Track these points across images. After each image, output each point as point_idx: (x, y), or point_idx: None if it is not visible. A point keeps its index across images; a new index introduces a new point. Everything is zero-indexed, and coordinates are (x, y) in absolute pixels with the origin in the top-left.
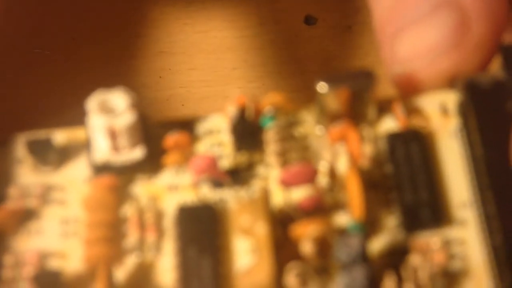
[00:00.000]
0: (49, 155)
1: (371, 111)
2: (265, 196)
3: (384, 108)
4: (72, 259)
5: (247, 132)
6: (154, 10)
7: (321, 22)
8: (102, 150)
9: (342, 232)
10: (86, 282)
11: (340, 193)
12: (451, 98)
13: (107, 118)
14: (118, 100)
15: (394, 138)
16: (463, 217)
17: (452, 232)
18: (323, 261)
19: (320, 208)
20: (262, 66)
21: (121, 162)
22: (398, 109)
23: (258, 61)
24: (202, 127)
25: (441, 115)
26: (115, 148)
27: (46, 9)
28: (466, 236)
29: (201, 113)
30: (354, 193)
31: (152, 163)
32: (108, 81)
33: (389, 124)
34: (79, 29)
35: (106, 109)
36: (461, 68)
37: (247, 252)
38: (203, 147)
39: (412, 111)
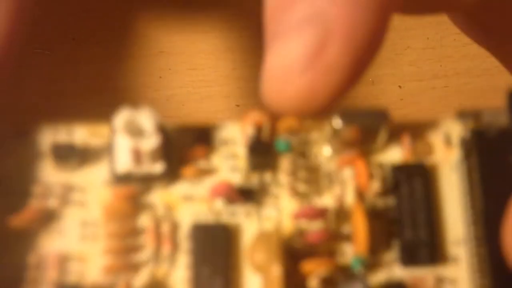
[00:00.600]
0: (71, 158)
1: (381, 143)
2: (278, 232)
3: (392, 135)
4: (91, 263)
5: (262, 153)
6: (153, 10)
7: None
8: (123, 163)
9: (346, 270)
10: None
11: (345, 223)
12: (455, 129)
13: (133, 140)
14: (145, 121)
15: (399, 171)
16: (456, 254)
17: (445, 270)
18: None
19: (327, 240)
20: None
21: (141, 174)
22: (406, 140)
23: (258, 61)
24: (218, 136)
25: (444, 146)
26: (137, 162)
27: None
28: (458, 275)
29: (201, 114)
30: (359, 228)
31: (169, 172)
32: (108, 81)
33: (396, 154)
34: (79, 29)
35: (133, 129)
36: (315, 92)
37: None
38: (218, 159)
39: (417, 139)
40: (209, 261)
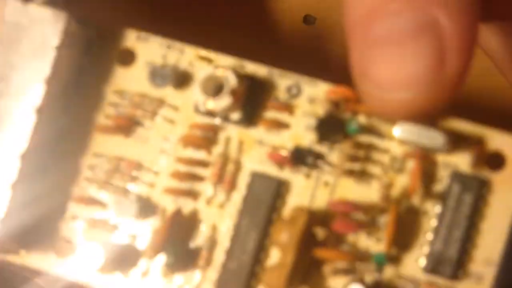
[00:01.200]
0: (167, 79)
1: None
2: (309, 214)
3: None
4: (160, 177)
5: (331, 129)
6: None
7: (320, 22)
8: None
9: (365, 261)
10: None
11: (378, 216)
12: None
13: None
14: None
15: (457, 179)
16: (481, 273)
17: (466, 285)
18: None
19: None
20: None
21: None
22: (476, 152)
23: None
24: (305, 92)
25: None
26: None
27: None
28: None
29: None
30: (390, 226)
31: (248, 118)
32: None
33: (461, 158)
34: None
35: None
36: (432, 104)
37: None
38: (298, 115)
39: (489, 150)
40: (251, 212)
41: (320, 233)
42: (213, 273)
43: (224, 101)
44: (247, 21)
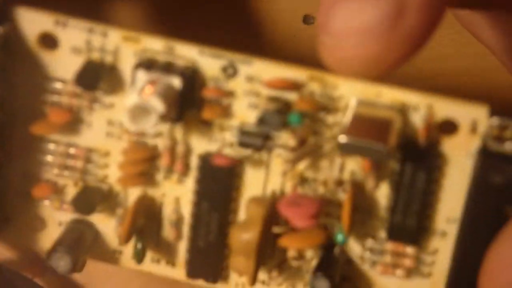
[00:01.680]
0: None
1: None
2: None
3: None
4: (113, 159)
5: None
6: None
7: None
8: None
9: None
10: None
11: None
12: (483, 119)
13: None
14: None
15: (409, 152)
16: (444, 230)
17: (430, 242)
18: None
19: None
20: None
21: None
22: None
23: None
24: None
25: (469, 132)
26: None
27: None
28: (441, 247)
29: None
30: (346, 211)
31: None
32: None
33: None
34: None
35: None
36: (385, 57)
37: None
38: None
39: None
40: (210, 196)
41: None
42: (183, 252)
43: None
44: (246, 20)
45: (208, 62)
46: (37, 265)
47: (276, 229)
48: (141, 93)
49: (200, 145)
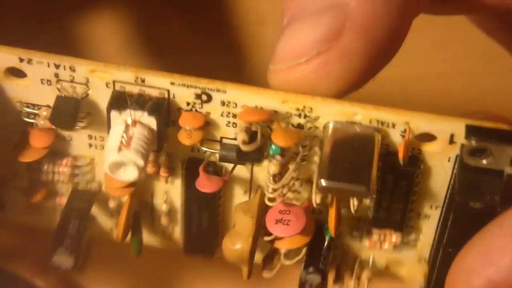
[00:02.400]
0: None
1: None
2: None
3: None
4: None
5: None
6: None
7: None
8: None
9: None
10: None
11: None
12: (461, 132)
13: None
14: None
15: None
16: (428, 214)
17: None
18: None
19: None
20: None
21: None
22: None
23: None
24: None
25: (446, 144)
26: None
27: None
28: (424, 228)
29: None
30: (332, 216)
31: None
32: None
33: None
34: None
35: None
36: (322, 79)
37: None
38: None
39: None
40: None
41: None
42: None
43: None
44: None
45: (181, 91)
46: (37, 265)
47: (266, 238)
48: (119, 149)
49: (184, 152)
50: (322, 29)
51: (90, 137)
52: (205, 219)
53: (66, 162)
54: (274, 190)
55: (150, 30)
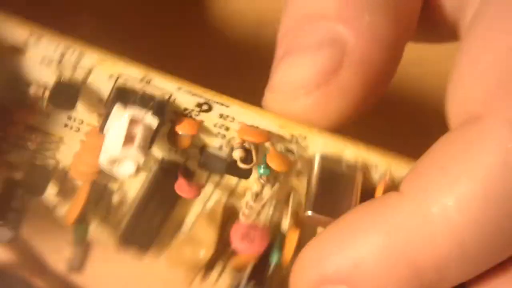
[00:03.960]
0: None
1: None
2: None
3: None
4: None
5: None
6: None
7: None
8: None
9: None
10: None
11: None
12: None
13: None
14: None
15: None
16: None
17: None
18: None
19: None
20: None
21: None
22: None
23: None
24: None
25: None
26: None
27: None
28: None
29: None
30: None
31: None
32: None
33: None
34: None
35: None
36: (318, 110)
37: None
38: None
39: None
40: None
41: None
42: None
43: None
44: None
45: (185, 97)
46: (36, 265)
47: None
48: (123, 144)
49: (162, 151)
50: (321, 62)
51: (69, 118)
52: (158, 218)
53: (35, 137)
54: (251, 208)
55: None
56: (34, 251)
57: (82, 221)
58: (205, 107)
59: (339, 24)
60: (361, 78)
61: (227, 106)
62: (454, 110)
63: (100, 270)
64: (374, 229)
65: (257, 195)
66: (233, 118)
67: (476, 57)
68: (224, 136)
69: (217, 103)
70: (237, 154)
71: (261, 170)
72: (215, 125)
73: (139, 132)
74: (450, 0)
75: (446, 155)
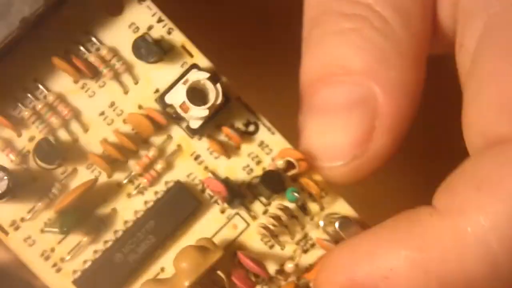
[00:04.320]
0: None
1: None
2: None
3: None
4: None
5: (272, 185)
6: None
7: None
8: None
9: None
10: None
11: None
12: None
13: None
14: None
15: None
16: None
17: None
18: None
19: None
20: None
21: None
22: None
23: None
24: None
25: None
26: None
27: None
28: None
29: None
30: None
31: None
32: None
33: None
34: None
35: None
36: (354, 175)
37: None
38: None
39: None
40: (159, 217)
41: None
42: (93, 253)
43: (201, 113)
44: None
45: (238, 109)
46: None
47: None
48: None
49: (181, 171)
50: (355, 131)
51: (111, 105)
52: (144, 247)
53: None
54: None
55: None
56: None
57: (68, 213)
58: (251, 128)
59: (367, 80)
60: (393, 139)
61: (273, 134)
62: (476, 134)
63: None
64: (407, 243)
65: (273, 217)
66: (270, 150)
67: (497, 86)
68: (250, 171)
69: (264, 125)
70: (280, 164)
71: (290, 196)
72: (248, 156)
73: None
74: (444, 9)
75: (480, 175)
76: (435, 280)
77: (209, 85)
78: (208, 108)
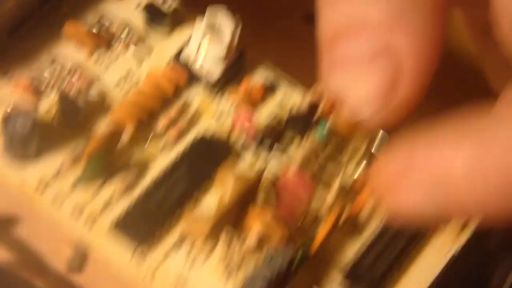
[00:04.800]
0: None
1: None
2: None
3: None
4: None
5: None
6: None
7: None
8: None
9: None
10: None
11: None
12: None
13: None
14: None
15: None
16: None
17: None
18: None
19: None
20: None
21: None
22: None
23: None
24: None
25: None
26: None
27: None
28: None
29: None
30: (322, 232)
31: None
32: None
33: None
34: None
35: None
36: (383, 123)
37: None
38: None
39: None
40: (190, 164)
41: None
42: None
43: (218, 53)
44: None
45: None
46: (36, 266)
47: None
48: None
49: (204, 125)
50: (379, 81)
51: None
52: (178, 192)
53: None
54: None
55: None
56: (34, 251)
57: (95, 158)
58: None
59: (387, 31)
60: (418, 82)
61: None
62: None
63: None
64: (469, 139)
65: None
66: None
67: None
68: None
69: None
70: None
71: (321, 130)
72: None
73: None
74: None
75: None
76: (496, 172)
77: (225, 24)
78: (226, 48)
